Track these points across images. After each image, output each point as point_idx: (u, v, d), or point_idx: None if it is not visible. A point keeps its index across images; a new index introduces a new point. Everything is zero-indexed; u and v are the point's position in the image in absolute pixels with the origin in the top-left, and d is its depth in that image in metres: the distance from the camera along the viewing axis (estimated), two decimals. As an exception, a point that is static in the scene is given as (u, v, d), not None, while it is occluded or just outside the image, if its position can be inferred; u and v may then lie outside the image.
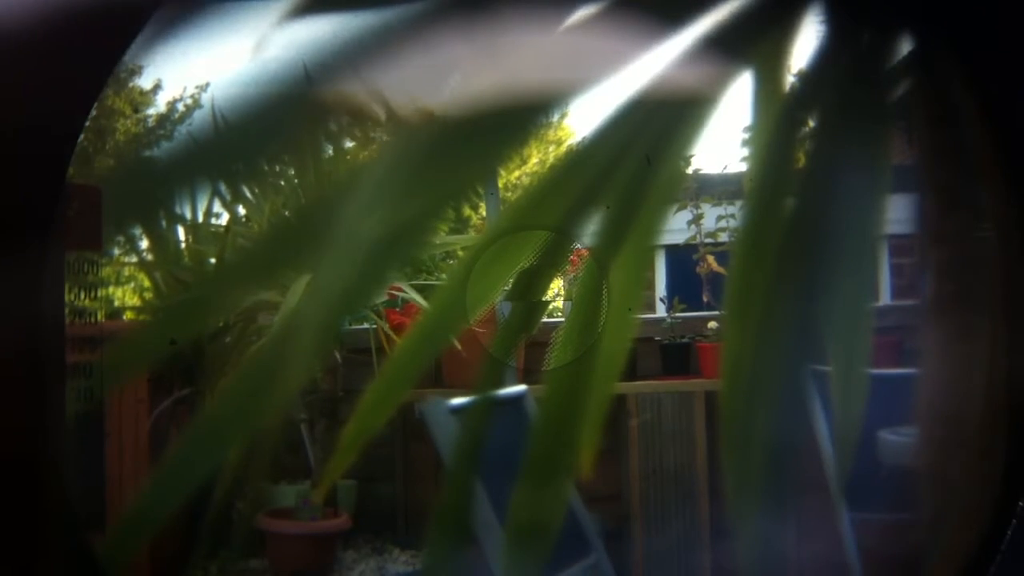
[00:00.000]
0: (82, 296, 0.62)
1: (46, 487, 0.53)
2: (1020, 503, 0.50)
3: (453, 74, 0.64)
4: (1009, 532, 0.50)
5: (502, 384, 0.66)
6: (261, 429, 0.62)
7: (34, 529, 0.51)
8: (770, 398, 0.64)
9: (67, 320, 0.60)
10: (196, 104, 0.65)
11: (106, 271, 0.66)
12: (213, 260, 0.79)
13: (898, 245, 0.73)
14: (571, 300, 0.68)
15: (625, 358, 0.71)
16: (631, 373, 0.74)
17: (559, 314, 0.66)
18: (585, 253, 0.68)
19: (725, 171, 0.73)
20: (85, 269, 0.62)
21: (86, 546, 0.57)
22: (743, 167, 0.73)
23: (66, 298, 0.60)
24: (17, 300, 0.52)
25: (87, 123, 0.57)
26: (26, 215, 0.53)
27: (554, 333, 0.68)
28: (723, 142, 0.70)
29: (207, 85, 0.62)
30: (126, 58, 0.57)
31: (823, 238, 0.66)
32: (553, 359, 0.67)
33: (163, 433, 0.64)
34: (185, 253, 0.80)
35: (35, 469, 0.53)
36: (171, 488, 0.62)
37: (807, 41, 0.70)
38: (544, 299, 0.68)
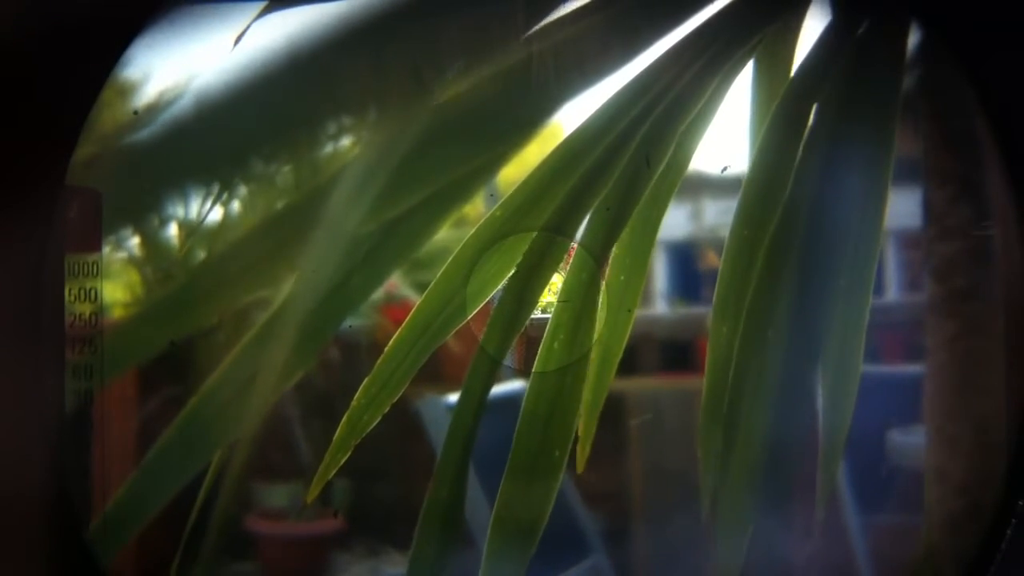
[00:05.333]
0: (81, 297, 0.61)
1: (43, 485, 0.52)
2: (1021, 502, 0.49)
3: (453, 68, 0.63)
4: (1010, 531, 0.49)
5: (494, 380, 0.65)
6: (248, 427, 0.61)
7: (31, 525, 0.50)
8: (759, 397, 0.63)
9: (67, 321, 0.59)
10: (185, 98, 0.64)
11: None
12: (204, 255, 0.77)
13: (907, 239, 0.71)
14: (565, 298, 0.67)
15: (620, 357, 0.70)
16: (630, 370, 0.73)
17: (550, 310, 0.65)
18: (579, 250, 0.67)
19: (727, 167, 0.72)
20: (84, 271, 0.61)
21: (83, 543, 0.56)
22: (743, 162, 0.72)
23: (65, 299, 0.59)
24: (19, 303, 0.51)
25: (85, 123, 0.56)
26: (27, 215, 0.52)
27: (545, 331, 0.67)
28: (725, 137, 0.69)
29: (197, 78, 0.61)
30: (125, 56, 0.56)
31: (820, 233, 0.64)
32: (540, 358, 0.66)
33: (152, 432, 0.63)
34: (176, 250, 0.79)
35: (33, 467, 0.52)
36: (154, 487, 0.61)
37: (809, 33, 0.69)
38: (536, 295, 0.67)
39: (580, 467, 0.71)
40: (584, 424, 0.71)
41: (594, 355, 0.69)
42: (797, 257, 0.63)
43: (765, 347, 0.63)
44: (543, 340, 0.68)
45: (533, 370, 0.67)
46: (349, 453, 0.67)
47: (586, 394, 0.70)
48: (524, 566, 0.66)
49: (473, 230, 0.68)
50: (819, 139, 0.65)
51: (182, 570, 0.63)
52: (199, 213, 0.72)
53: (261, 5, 0.63)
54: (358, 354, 0.81)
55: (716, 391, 0.65)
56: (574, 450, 0.69)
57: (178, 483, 0.62)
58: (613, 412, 0.73)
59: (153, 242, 0.79)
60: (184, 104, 0.64)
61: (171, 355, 0.65)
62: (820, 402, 0.65)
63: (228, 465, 0.62)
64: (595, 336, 0.69)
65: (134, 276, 0.80)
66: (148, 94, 0.67)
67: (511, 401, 1.03)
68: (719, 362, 0.65)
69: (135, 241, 0.80)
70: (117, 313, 0.69)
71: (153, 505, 0.62)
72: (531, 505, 0.66)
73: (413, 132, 0.63)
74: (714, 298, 0.67)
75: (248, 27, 0.60)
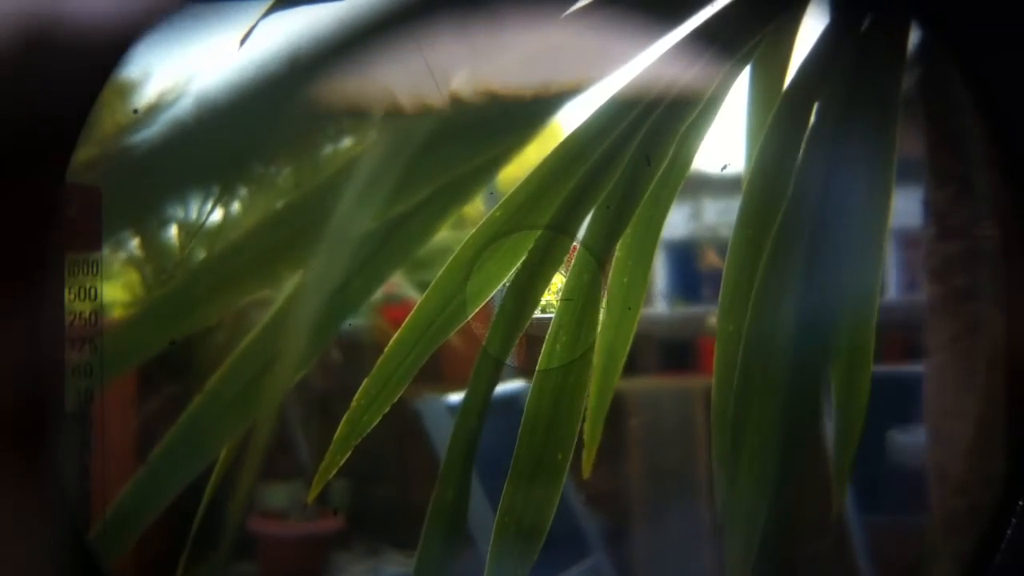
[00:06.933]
0: (81, 296, 0.61)
1: (44, 485, 0.52)
2: (1020, 502, 0.49)
3: (454, 69, 0.63)
4: (1010, 531, 0.49)
5: (497, 380, 0.65)
6: (252, 427, 0.61)
7: (31, 525, 0.50)
8: (767, 395, 0.63)
9: (67, 320, 0.59)
10: (185, 99, 0.64)
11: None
12: (204, 255, 0.77)
13: (907, 239, 0.71)
14: (568, 298, 0.67)
15: (625, 356, 0.70)
16: (630, 370, 0.73)
17: (552, 310, 0.65)
18: (581, 250, 0.67)
19: (726, 165, 0.72)
20: (84, 270, 0.61)
21: (83, 543, 0.56)
22: (743, 163, 0.72)
23: (65, 298, 0.59)
24: (18, 302, 0.51)
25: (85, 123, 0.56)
26: (27, 215, 0.52)
27: (548, 331, 0.67)
28: (724, 137, 0.69)
29: (197, 80, 0.61)
30: (125, 57, 0.56)
31: (824, 231, 0.64)
32: (543, 358, 0.66)
33: (152, 433, 0.63)
34: (176, 250, 0.79)
35: (34, 467, 0.51)
36: (157, 487, 0.61)
37: (808, 33, 0.69)
38: (538, 295, 0.67)
39: (586, 472, 0.71)
40: (589, 427, 0.71)
41: (598, 358, 0.69)
42: (801, 255, 0.63)
43: (771, 345, 0.63)
44: (546, 341, 0.68)
45: (537, 370, 0.67)
46: (349, 453, 0.67)
47: (591, 398, 0.70)
48: (528, 569, 0.66)
49: (473, 230, 0.68)
50: (820, 138, 0.65)
51: (188, 571, 0.63)
52: (199, 214, 0.72)
53: (261, 5, 0.63)
54: (358, 354, 0.81)
55: (725, 390, 0.65)
56: (576, 452, 0.69)
57: (181, 484, 0.62)
58: (613, 412, 0.73)
59: (153, 242, 0.79)
60: (184, 104, 0.64)
61: (171, 355, 0.65)
62: (832, 400, 0.65)
63: (235, 466, 0.62)
64: (596, 336, 0.69)
65: (134, 276, 0.81)
66: (148, 94, 0.67)
67: (507, 402, 1.03)
68: (727, 361, 0.65)
69: (135, 242, 0.80)
70: (117, 313, 0.69)
71: (155, 506, 0.62)
72: (535, 508, 0.66)
73: (417, 133, 0.63)
74: (719, 297, 0.67)
75: (255, 26, 0.60)
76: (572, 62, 0.66)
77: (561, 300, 0.68)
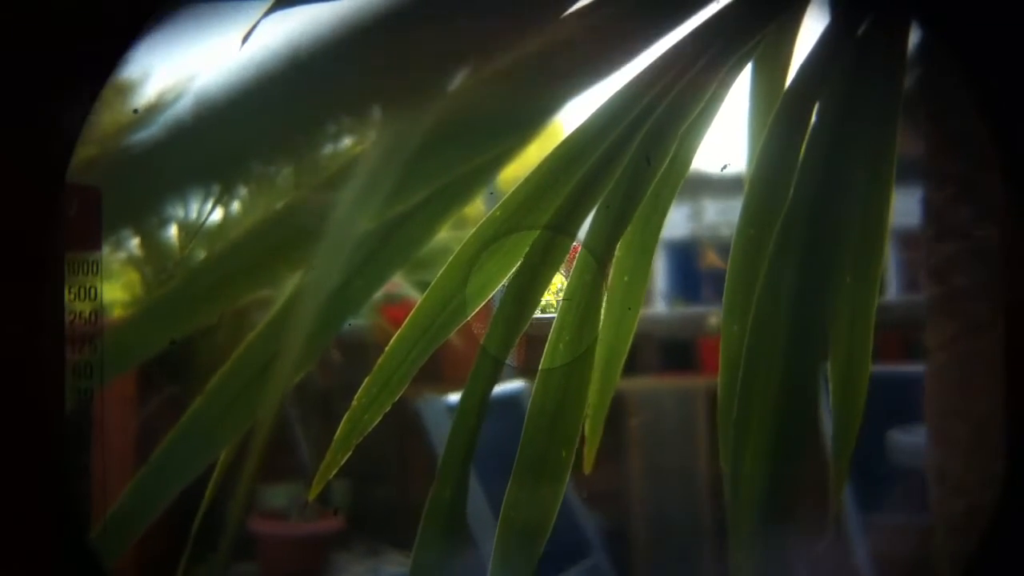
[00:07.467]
0: (81, 296, 0.61)
1: (43, 485, 0.52)
2: (1021, 502, 0.49)
3: (455, 70, 0.63)
4: (1010, 531, 0.49)
5: (496, 380, 0.65)
6: (253, 427, 0.61)
7: (31, 525, 0.50)
8: (770, 396, 0.63)
9: (67, 320, 0.59)
10: (185, 98, 0.64)
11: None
12: (204, 255, 0.77)
13: (907, 239, 0.71)
14: (569, 298, 0.67)
15: (625, 356, 0.70)
16: (630, 370, 0.73)
17: (552, 310, 0.65)
18: (582, 250, 0.67)
19: (726, 165, 0.72)
20: (84, 269, 0.61)
21: (84, 544, 0.56)
22: (744, 163, 0.72)
23: (65, 298, 0.59)
24: (19, 301, 0.51)
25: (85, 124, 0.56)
26: (26, 216, 0.52)
27: (551, 330, 0.67)
28: (725, 138, 0.69)
29: (198, 79, 0.61)
30: (125, 57, 0.56)
31: (825, 230, 0.64)
32: (546, 358, 0.66)
33: (151, 432, 0.63)
34: (176, 250, 0.79)
35: (35, 467, 0.51)
36: (157, 487, 0.61)
37: (808, 33, 0.69)
38: (538, 295, 0.67)
39: (588, 468, 0.71)
40: (591, 425, 0.71)
41: (599, 356, 0.69)
42: (802, 255, 0.64)
43: (773, 345, 0.63)
44: (549, 340, 0.68)
45: (540, 369, 0.68)
46: (350, 452, 0.67)
47: (592, 395, 0.70)
48: (533, 566, 0.66)
49: (474, 230, 0.68)
50: (821, 138, 0.65)
51: (189, 571, 0.63)
52: (199, 214, 0.72)
53: (261, 4, 0.63)
54: (358, 353, 0.81)
55: (731, 390, 0.65)
56: (579, 451, 0.69)
57: (182, 484, 0.62)
58: (614, 412, 0.73)
59: (153, 242, 0.79)
60: (184, 104, 0.64)
61: (171, 355, 0.65)
62: (829, 399, 0.65)
63: (236, 466, 0.62)
64: (597, 336, 0.69)
65: (134, 276, 0.81)
66: (148, 94, 0.67)
67: (505, 402, 1.03)
68: (732, 362, 0.65)
69: (135, 241, 0.80)
70: (117, 313, 0.69)
71: (156, 506, 0.62)
72: (539, 505, 0.66)
73: (417, 132, 0.63)
74: (724, 298, 0.67)
75: (255, 26, 0.60)
76: (572, 62, 0.66)
77: (563, 300, 0.68)
